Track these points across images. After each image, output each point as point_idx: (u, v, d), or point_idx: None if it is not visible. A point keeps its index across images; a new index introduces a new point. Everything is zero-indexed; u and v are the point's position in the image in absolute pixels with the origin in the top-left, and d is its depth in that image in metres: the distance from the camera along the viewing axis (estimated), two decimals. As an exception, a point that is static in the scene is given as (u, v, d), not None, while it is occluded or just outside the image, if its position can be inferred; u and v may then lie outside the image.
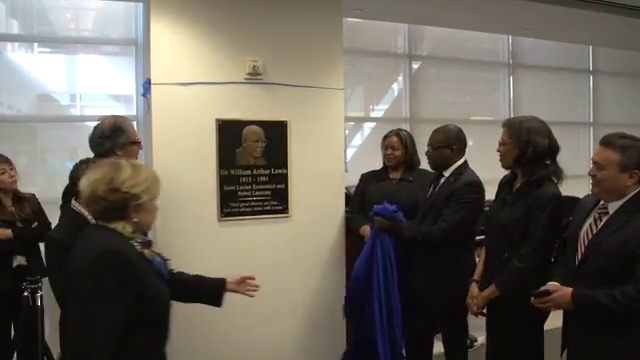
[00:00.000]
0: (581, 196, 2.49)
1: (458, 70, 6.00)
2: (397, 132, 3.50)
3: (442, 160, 3.04)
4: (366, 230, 3.28)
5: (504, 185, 2.69)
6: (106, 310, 1.60)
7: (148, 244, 1.83)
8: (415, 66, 5.62)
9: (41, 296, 2.81)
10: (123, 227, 1.73)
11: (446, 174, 3.04)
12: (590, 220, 2.21)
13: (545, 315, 2.50)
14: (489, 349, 2.74)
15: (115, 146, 2.77)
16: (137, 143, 2.85)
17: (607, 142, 2.15)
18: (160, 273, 1.82)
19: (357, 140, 5.57)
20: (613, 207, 2.15)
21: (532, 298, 2.20)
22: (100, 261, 1.63)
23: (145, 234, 1.90)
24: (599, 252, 2.10)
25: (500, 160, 2.62)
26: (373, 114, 5.68)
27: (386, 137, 3.52)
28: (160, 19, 3.16)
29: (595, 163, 2.17)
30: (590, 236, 2.17)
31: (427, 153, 3.14)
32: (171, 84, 3.18)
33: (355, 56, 5.22)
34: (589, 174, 2.21)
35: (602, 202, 2.21)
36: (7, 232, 3.12)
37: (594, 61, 6.63)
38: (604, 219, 2.16)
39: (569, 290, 2.12)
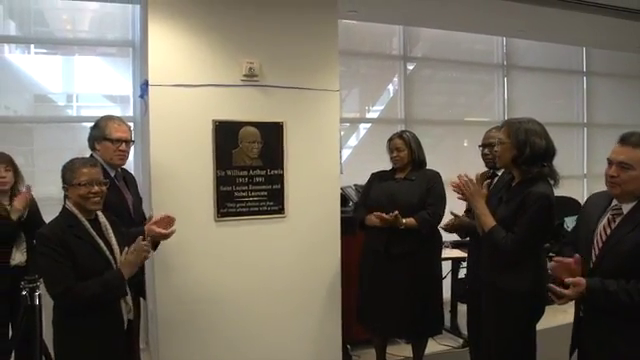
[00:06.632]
0: (575, 196, 2.48)
1: (453, 71, 6.06)
2: (400, 134, 3.54)
3: None
4: (372, 219, 3.37)
5: (503, 186, 2.69)
6: None
7: None
8: (410, 67, 5.66)
9: (39, 295, 2.82)
10: None
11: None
12: (604, 221, 2.16)
13: (537, 312, 2.53)
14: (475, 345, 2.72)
15: (94, 140, 2.94)
16: (111, 140, 2.90)
17: (634, 142, 2.06)
18: None
19: (352, 141, 5.61)
20: (627, 207, 2.11)
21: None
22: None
23: None
24: (616, 252, 2.06)
25: (497, 159, 2.62)
26: (368, 115, 5.72)
27: (390, 140, 3.55)
28: (158, 21, 3.17)
29: (620, 163, 2.07)
30: (605, 237, 2.12)
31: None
32: (168, 86, 3.19)
33: (350, 58, 5.26)
34: (609, 175, 2.10)
35: (615, 203, 2.16)
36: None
37: (588, 62, 6.69)
38: (618, 220, 2.12)
39: (584, 280, 2.07)
